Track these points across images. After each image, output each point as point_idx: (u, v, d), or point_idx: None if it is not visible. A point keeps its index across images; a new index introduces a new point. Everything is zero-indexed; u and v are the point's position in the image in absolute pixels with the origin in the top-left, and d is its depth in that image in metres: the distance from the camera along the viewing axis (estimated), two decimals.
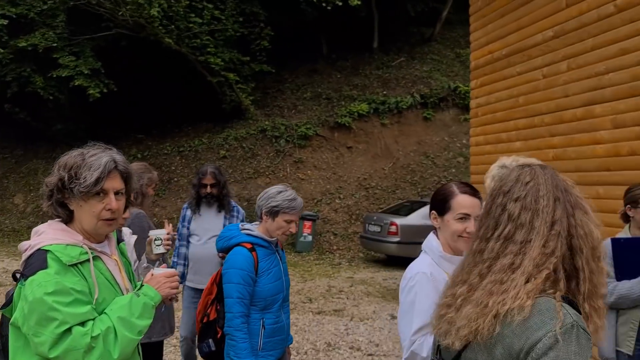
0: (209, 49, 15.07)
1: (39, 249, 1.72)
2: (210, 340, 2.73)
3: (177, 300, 2.05)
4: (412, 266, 2.06)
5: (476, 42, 6.28)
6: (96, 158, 1.78)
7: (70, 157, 1.80)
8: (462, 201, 2.01)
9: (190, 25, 14.71)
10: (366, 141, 15.74)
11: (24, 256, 1.76)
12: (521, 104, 5.40)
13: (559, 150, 4.84)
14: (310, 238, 12.38)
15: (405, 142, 15.88)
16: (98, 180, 1.75)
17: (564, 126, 4.80)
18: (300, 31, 18.09)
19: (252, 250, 2.69)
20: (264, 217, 2.73)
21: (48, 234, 1.76)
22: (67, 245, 1.75)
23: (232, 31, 15.60)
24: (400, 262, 10.95)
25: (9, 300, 1.76)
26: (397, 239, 10.49)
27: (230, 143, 15.51)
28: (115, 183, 1.82)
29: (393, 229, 10.54)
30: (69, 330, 1.65)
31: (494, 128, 5.87)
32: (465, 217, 2.01)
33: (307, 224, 12.27)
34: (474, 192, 2.06)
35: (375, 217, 11.32)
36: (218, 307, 2.75)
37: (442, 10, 18.84)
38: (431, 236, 2.12)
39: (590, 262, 1.26)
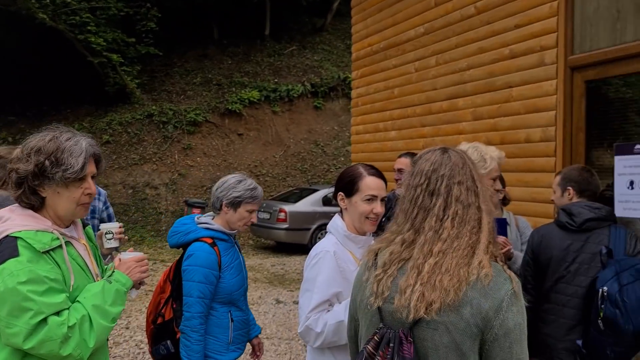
0: (89, 27, 14.22)
1: (7, 236, 1.63)
2: (169, 342, 2.57)
3: (145, 284, 2.02)
4: (318, 245, 2.10)
5: (357, 35, 6.52)
6: (74, 143, 1.73)
7: (43, 141, 1.71)
8: (369, 183, 2.07)
9: (68, 0, 13.77)
10: (257, 128, 15.75)
11: None
12: (396, 96, 5.71)
13: (428, 140, 5.19)
14: None
15: (296, 130, 16.10)
16: (83, 166, 1.72)
17: (432, 117, 5.16)
18: (190, 14, 17.59)
19: (213, 245, 2.54)
20: (225, 209, 2.60)
21: (15, 220, 1.67)
22: (37, 231, 1.67)
23: (116, 10, 14.85)
24: (289, 249, 11.15)
25: None
26: (285, 226, 10.66)
27: (114, 128, 14.80)
28: (92, 167, 1.79)
29: (282, 215, 10.69)
30: (44, 320, 1.58)
31: (373, 118, 6.15)
32: (372, 199, 2.07)
33: (196, 211, 12.08)
34: (380, 175, 2.13)
35: (264, 204, 11.40)
36: (174, 306, 2.60)
37: (333, 1, 19.23)
38: (336, 217, 2.17)
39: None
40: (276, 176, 14.63)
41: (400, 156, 4.21)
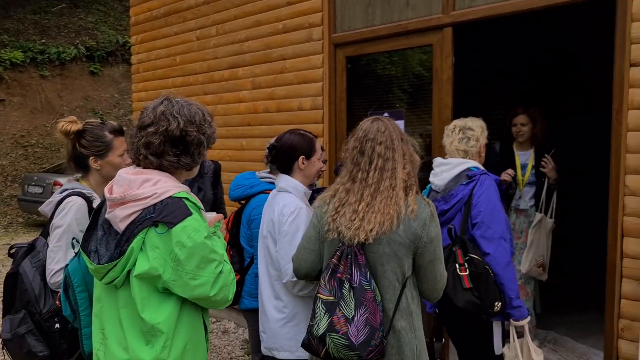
0: None
1: (170, 197, 1.69)
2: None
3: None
4: (288, 204, 2.39)
5: None
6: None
7: (184, 107, 1.77)
8: (318, 146, 2.56)
9: None
10: (22, 94, 14.07)
11: (146, 203, 1.68)
12: (178, 63, 5.75)
13: (210, 107, 5.37)
14: None
15: (71, 97, 14.80)
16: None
17: (214, 85, 5.35)
18: None
19: None
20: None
21: (167, 182, 1.73)
22: (184, 191, 1.75)
23: None
24: None
25: (121, 252, 1.66)
26: None
27: None
28: None
29: (56, 189, 9.89)
30: (221, 269, 1.73)
31: (155, 85, 6.09)
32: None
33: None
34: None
35: (35, 177, 10.40)
36: (231, 252, 2.89)
37: None
38: (287, 178, 2.49)
39: (415, 172, 2.06)
40: (48, 147, 13.35)
41: None
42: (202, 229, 1.68)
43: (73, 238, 2.27)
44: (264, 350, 2.56)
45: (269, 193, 2.72)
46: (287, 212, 2.36)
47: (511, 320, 2.58)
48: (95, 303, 1.83)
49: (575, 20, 5.33)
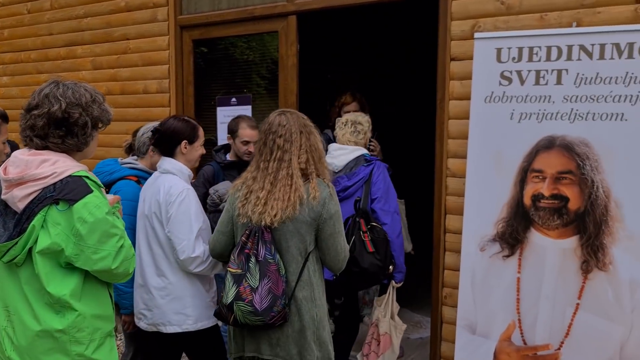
0: None
1: (70, 175, 1.76)
2: None
3: None
4: (174, 185, 2.50)
5: None
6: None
7: (69, 89, 1.81)
8: (201, 132, 2.70)
9: None
10: None
11: (46, 182, 1.74)
12: (6, 38, 5.21)
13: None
14: None
15: None
16: None
17: (49, 64, 4.93)
18: None
19: (138, 183, 2.82)
20: (151, 152, 2.87)
21: (66, 162, 1.79)
22: (83, 171, 1.83)
23: None
24: None
25: (21, 230, 1.72)
26: None
27: None
28: None
29: None
30: (122, 243, 1.83)
31: None
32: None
33: None
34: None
35: None
36: None
37: None
38: (172, 160, 2.59)
39: (322, 160, 2.31)
40: None
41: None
42: (103, 206, 1.78)
43: None
44: (147, 327, 2.60)
45: (130, 179, 2.86)
46: (175, 192, 2.47)
47: (393, 282, 3.17)
48: None
49: (406, 16, 5.74)
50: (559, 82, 2.69)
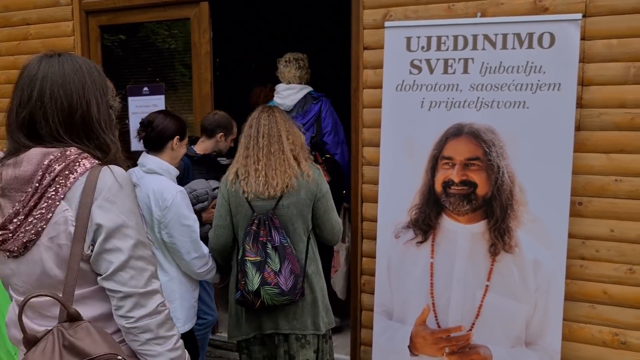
0: None
1: None
2: None
3: None
4: (165, 189, 2.42)
5: None
6: None
7: None
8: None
9: None
10: None
11: None
12: None
13: None
14: None
15: None
16: None
17: None
18: None
19: None
20: None
21: None
22: None
23: None
24: None
25: None
26: None
27: None
28: None
29: None
30: None
31: None
32: None
33: None
34: None
35: None
36: None
37: None
38: (157, 160, 2.49)
39: (304, 149, 2.49)
40: None
41: None
42: None
43: None
44: None
45: None
46: (169, 197, 2.40)
47: (345, 203, 3.68)
48: None
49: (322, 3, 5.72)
50: (465, 71, 2.75)
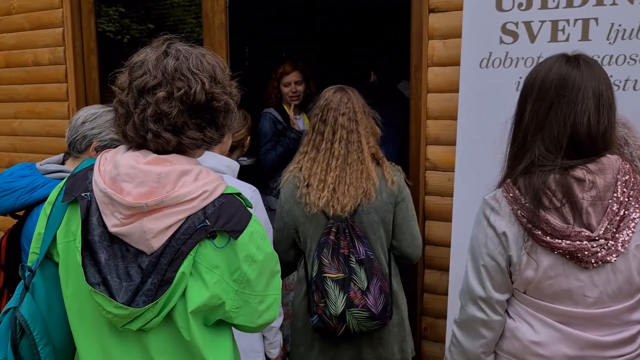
0: None
1: (223, 194, 1.23)
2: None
3: None
4: (241, 187, 1.96)
5: None
6: None
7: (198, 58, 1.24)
8: None
9: None
10: None
11: (194, 207, 1.18)
12: None
13: None
14: None
15: None
16: None
17: None
18: None
19: None
20: (92, 152, 1.89)
21: (210, 174, 1.24)
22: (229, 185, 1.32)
23: None
24: None
25: (163, 281, 1.16)
26: None
27: None
28: None
29: None
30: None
31: None
32: None
33: None
34: None
35: None
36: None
37: None
38: (217, 155, 1.99)
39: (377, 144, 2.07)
40: None
41: None
42: (265, 235, 1.30)
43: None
44: None
45: None
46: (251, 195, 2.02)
47: None
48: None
49: None
50: (585, 37, 1.91)
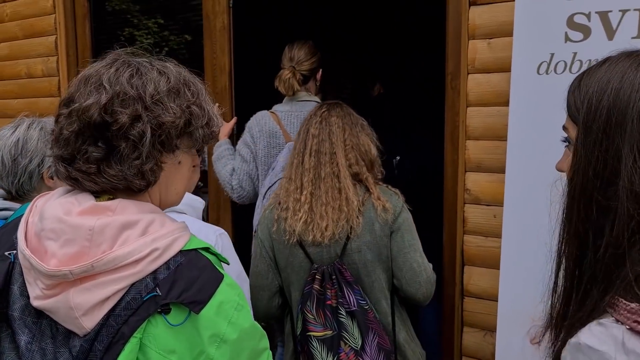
0: None
1: (181, 251, 0.90)
2: None
3: None
4: (198, 232, 1.50)
5: None
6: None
7: (180, 75, 0.96)
8: None
9: None
10: None
11: (139, 272, 0.86)
12: None
13: None
14: None
15: None
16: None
17: None
18: None
19: None
20: (48, 181, 1.59)
21: (165, 225, 0.91)
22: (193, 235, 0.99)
23: None
24: None
25: None
26: None
27: None
28: None
29: None
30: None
31: None
32: None
33: None
34: None
35: None
36: None
37: None
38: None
39: (374, 167, 1.76)
40: None
41: None
42: (243, 301, 0.94)
43: None
44: None
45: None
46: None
47: None
48: None
49: None
50: None
